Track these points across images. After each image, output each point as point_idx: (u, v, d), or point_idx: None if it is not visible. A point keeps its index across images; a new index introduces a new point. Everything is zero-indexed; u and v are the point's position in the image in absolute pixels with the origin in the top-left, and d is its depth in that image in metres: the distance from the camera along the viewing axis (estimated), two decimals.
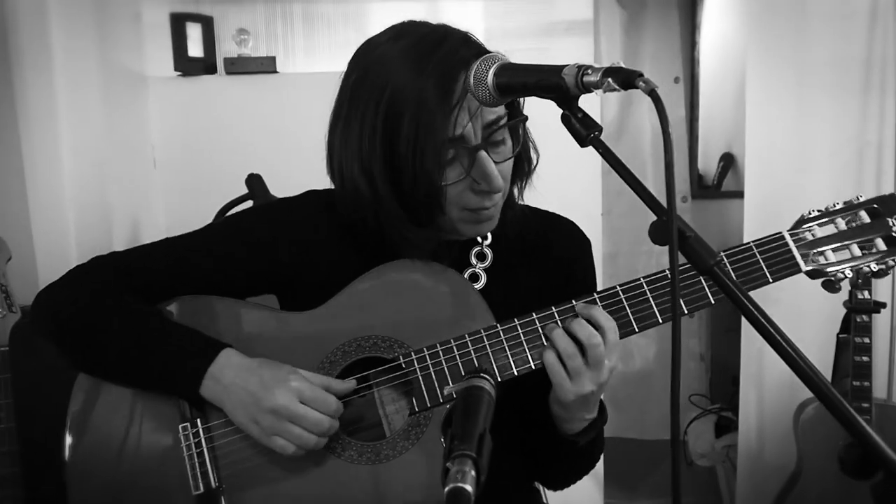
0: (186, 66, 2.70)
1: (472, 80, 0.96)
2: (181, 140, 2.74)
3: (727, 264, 1.08)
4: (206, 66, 2.74)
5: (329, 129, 1.13)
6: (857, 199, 1.09)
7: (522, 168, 1.17)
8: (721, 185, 3.72)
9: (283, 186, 2.37)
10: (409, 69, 1.02)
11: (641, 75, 0.80)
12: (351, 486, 1.09)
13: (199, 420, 1.13)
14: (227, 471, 1.12)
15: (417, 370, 1.10)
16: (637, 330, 1.09)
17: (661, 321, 1.08)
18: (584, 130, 0.88)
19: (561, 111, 0.89)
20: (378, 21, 2.60)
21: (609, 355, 1.04)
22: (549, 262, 1.23)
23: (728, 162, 3.84)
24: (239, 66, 2.70)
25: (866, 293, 2.25)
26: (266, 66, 2.71)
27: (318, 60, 2.90)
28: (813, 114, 2.60)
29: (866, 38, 2.56)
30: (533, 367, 1.08)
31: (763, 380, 2.70)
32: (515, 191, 1.19)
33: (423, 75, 1.01)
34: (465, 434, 0.73)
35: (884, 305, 2.28)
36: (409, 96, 1.01)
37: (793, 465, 2.47)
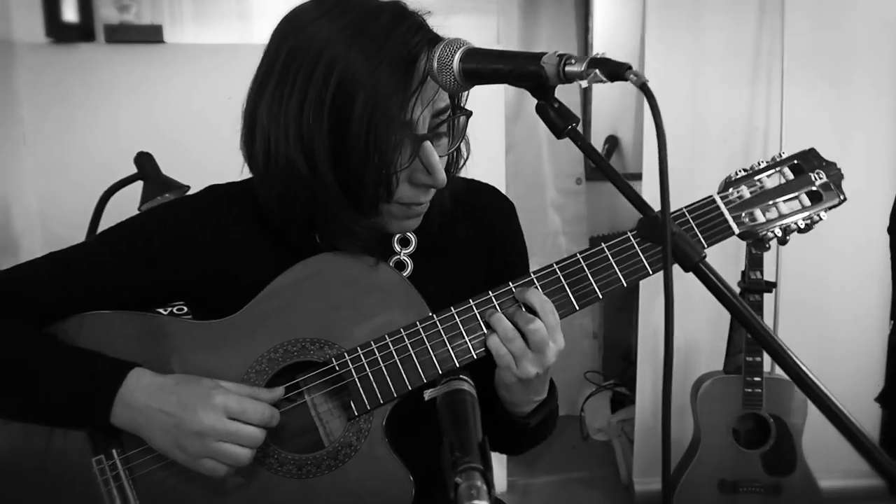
0: (60, 32, 2.47)
1: (435, 65, 0.90)
2: (56, 115, 2.50)
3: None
4: (82, 32, 2.50)
5: (250, 100, 1.01)
6: (780, 155, 1.09)
7: (449, 167, 1.10)
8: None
9: (175, 166, 2.23)
10: (362, 49, 0.93)
11: (630, 68, 0.77)
12: (293, 502, 1.02)
13: (115, 451, 1.02)
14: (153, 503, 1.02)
15: (353, 371, 1.03)
16: (577, 308, 1.05)
17: (601, 297, 1.05)
18: (561, 122, 0.84)
19: (536, 101, 0.86)
20: None
21: (553, 337, 1.00)
22: (475, 232, 1.17)
23: (612, 144, 3.96)
24: (121, 35, 2.50)
25: (758, 273, 2.37)
26: (151, 35, 2.52)
27: (209, 31, 2.72)
28: (706, 101, 2.70)
29: (755, 29, 2.68)
30: (475, 356, 1.03)
31: (658, 357, 2.81)
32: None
33: (378, 58, 0.93)
34: (465, 444, 0.69)
35: (774, 285, 2.42)
36: (363, 79, 0.93)
37: (687, 438, 2.59)
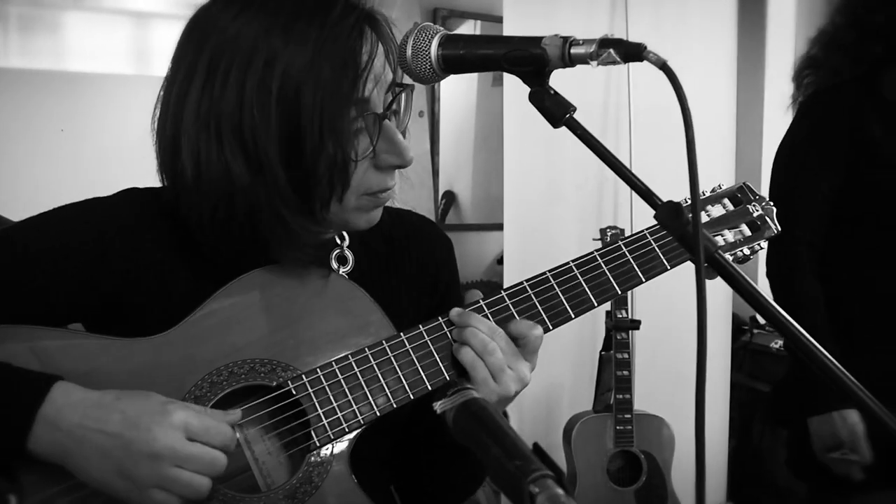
0: None
1: (409, 52, 0.84)
2: None
3: (626, 253, 1.05)
4: None
5: (167, 113, 0.91)
6: (719, 187, 1.15)
7: None
8: (444, 219, 3.89)
9: (3, 200, 1.95)
10: (300, 36, 0.86)
11: (646, 48, 0.74)
12: None
13: (11, 498, 0.81)
14: None
15: (313, 396, 0.91)
16: (551, 327, 1.00)
17: (573, 316, 1.01)
18: (558, 110, 0.80)
19: (530, 89, 0.81)
20: None
21: (530, 356, 0.96)
22: (413, 265, 1.11)
23: (450, 199, 4.04)
24: None
25: (623, 312, 2.46)
26: None
27: (39, 58, 2.44)
28: (561, 153, 2.81)
29: (603, 85, 2.85)
30: (447, 377, 0.95)
31: (521, 403, 2.81)
32: None
33: (319, 42, 0.86)
34: (517, 451, 0.61)
35: (640, 322, 2.51)
36: (307, 67, 0.86)
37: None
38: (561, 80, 3.11)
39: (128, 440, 0.79)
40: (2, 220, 1.86)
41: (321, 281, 0.96)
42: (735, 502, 3.01)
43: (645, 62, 0.73)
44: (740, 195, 1.13)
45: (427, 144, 3.57)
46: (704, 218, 1.11)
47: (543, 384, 2.79)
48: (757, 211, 1.12)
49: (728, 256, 1.11)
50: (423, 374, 0.93)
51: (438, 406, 0.71)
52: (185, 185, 0.89)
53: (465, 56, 0.83)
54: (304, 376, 0.91)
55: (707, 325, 0.71)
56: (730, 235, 1.12)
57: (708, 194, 1.14)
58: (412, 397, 0.93)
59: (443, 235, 1.16)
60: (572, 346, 2.76)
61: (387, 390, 0.91)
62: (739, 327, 3.15)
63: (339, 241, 1.04)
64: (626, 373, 2.42)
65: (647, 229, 1.07)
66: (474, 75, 3.69)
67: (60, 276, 0.91)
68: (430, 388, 0.93)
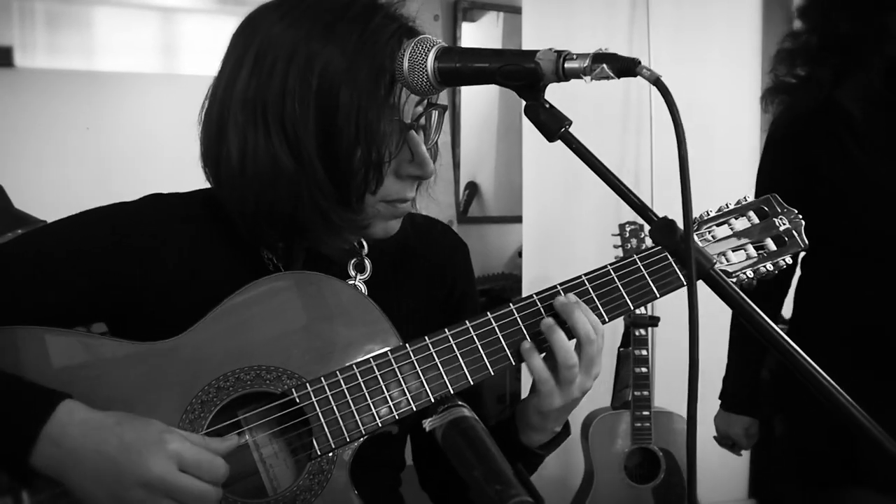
0: None
1: (405, 65, 0.84)
2: None
3: (613, 277, 1.03)
4: None
5: (215, 100, 0.95)
6: (745, 199, 1.11)
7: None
8: (467, 211, 3.89)
9: (29, 199, 1.99)
10: (340, 41, 0.89)
11: (640, 63, 0.74)
12: None
13: (24, 493, 0.84)
14: None
15: (316, 405, 0.92)
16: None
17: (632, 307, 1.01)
18: (553, 124, 0.80)
19: (525, 102, 0.81)
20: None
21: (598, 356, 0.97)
22: (433, 267, 1.13)
23: (473, 190, 4.04)
24: None
25: (643, 308, 2.44)
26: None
27: (63, 57, 2.48)
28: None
29: (623, 82, 2.82)
30: (452, 391, 0.95)
31: None
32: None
33: (358, 49, 0.89)
34: (499, 475, 0.61)
35: (658, 319, 2.50)
36: (344, 71, 0.89)
37: (572, 476, 2.59)
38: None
39: (123, 467, 0.81)
40: (28, 219, 1.91)
41: (334, 289, 0.98)
42: (758, 499, 2.99)
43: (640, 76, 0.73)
44: (767, 208, 1.09)
45: (447, 137, 3.57)
46: (726, 231, 1.07)
47: None
48: (784, 224, 1.08)
49: (748, 273, 1.07)
50: (426, 386, 0.94)
51: (428, 423, 0.72)
52: (229, 172, 0.93)
53: (460, 69, 0.83)
54: (308, 385, 0.92)
55: (699, 337, 0.71)
56: (752, 250, 1.07)
57: (731, 206, 1.10)
58: (415, 409, 0.93)
59: (460, 243, 1.17)
60: None
61: (390, 402, 0.92)
62: None
63: (357, 248, 1.07)
64: (644, 370, 2.41)
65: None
66: None
67: (82, 277, 0.94)
68: (433, 399, 0.94)
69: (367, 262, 1.07)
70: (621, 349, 2.50)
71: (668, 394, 2.53)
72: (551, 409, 0.96)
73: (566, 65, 0.77)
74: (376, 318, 0.97)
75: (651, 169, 2.81)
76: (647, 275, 1.02)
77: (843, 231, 1.59)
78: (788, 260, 1.09)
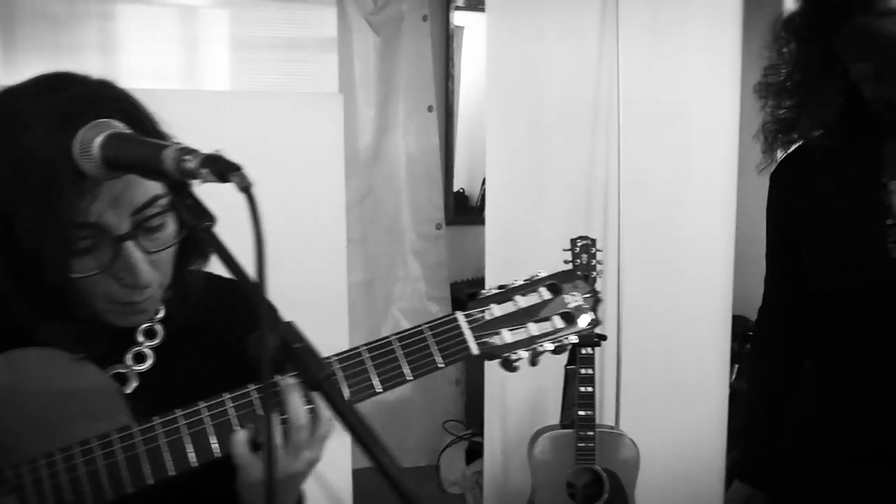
0: None
1: (77, 149, 0.82)
2: None
3: (399, 348, 0.99)
4: None
5: None
6: (538, 274, 1.05)
7: (196, 250, 1.02)
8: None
9: None
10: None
11: (238, 169, 0.70)
12: None
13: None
14: None
15: (27, 485, 0.91)
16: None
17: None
18: (193, 220, 0.77)
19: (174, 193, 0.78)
20: None
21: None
22: (230, 329, 1.08)
23: (463, 196, 3.98)
24: None
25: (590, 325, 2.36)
26: None
27: None
28: (549, 151, 2.70)
29: (593, 79, 2.71)
30: (172, 473, 0.93)
31: (507, 405, 2.77)
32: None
33: (20, 173, 0.84)
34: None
35: (604, 338, 2.41)
36: (11, 199, 0.85)
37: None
38: (553, 73, 3.01)
39: None
40: None
41: (73, 369, 0.95)
42: None
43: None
44: (560, 283, 1.03)
45: (435, 140, 3.52)
46: (509, 308, 1.01)
47: (526, 393, 2.74)
48: (575, 301, 1.02)
49: (522, 353, 1.02)
50: (149, 469, 0.91)
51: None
52: None
53: (118, 159, 0.81)
54: (23, 463, 0.90)
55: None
56: (534, 328, 1.01)
57: (520, 283, 1.04)
58: (129, 492, 0.92)
59: (249, 303, 1.13)
60: (561, 356, 2.67)
61: (104, 485, 0.90)
62: (745, 332, 2.94)
63: (141, 338, 1.04)
64: (589, 389, 2.33)
65: (425, 323, 1.02)
66: None
67: None
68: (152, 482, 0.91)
69: (160, 327, 1.05)
70: (568, 367, 2.43)
71: (619, 413, 2.45)
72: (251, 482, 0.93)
73: (183, 165, 0.74)
74: (113, 398, 0.95)
75: (618, 176, 2.70)
76: (432, 344, 0.98)
77: (824, 276, 1.46)
78: (573, 338, 1.02)
